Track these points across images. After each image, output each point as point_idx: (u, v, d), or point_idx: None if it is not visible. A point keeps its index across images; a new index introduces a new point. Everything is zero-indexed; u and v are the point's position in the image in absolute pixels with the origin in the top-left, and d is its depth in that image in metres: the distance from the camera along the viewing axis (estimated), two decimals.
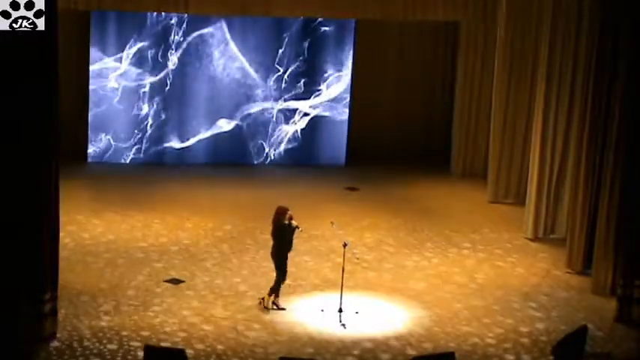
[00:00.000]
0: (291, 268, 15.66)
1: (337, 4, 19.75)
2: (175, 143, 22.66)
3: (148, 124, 22.50)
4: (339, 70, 23.06)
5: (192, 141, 22.68)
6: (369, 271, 16.87)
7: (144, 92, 22.38)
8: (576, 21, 18.08)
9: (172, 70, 22.40)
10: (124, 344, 13.79)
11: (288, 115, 23.03)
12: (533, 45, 20.01)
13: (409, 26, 23.45)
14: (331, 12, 20.30)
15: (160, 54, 22.27)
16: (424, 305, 15.63)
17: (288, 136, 23.08)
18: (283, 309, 15.17)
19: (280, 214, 15.29)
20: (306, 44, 22.80)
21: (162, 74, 22.38)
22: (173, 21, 22.15)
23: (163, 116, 22.54)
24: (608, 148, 16.05)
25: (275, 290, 15.25)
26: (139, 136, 22.50)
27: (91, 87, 22.04)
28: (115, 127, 22.34)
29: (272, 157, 23.11)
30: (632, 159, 15.61)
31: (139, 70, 22.25)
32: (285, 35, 22.68)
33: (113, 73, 22.13)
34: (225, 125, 22.85)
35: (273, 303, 15.20)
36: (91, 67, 21.96)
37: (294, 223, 15.25)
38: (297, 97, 23.01)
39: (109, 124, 22.32)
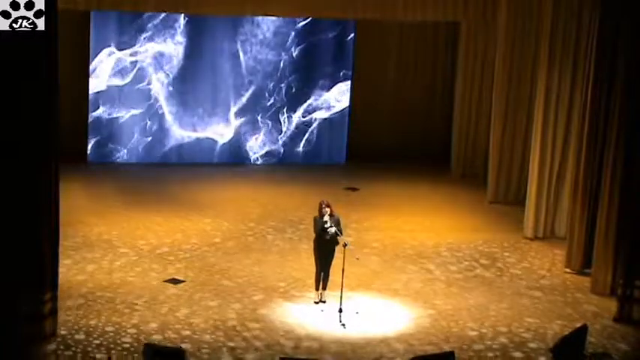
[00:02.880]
0: (289, 268, 15.72)
1: (337, 4, 19.72)
2: (177, 142, 22.70)
3: (148, 124, 22.49)
4: (339, 71, 23.06)
5: (194, 140, 22.73)
6: (368, 271, 16.87)
7: (144, 92, 22.38)
8: (576, 21, 18.10)
9: (173, 69, 22.39)
10: (124, 344, 13.79)
11: (289, 115, 23.05)
12: (533, 45, 20.02)
13: (409, 26, 23.45)
14: (331, 12, 20.26)
15: (160, 53, 22.26)
16: (424, 305, 15.63)
17: (290, 139, 23.17)
18: (323, 301, 15.35)
19: (319, 207, 15.40)
20: (306, 45, 22.81)
21: (162, 74, 22.37)
22: (174, 21, 22.15)
23: (164, 116, 22.54)
24: (608, 148, 16.05)
25: (315, 283, 15.46)
26: (139, 135, 22.49)
27: (90, 87, 22.04)
28: (115, 126, 22.34)
29: (273, 157, 23.12)
30: (632, 159, 15.61)
31: (139, 70, 22.24)
32: (286, 36, 22.69)
33: (113, 73, 22.12)
34: (226, 125, 22.86)
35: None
36: (91, 67, 21.96)
37: (325, 219, 15.24)
38: (298, 98, 23.03)
39: (109, 124, 22.31)
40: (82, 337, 13.93)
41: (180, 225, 18.66)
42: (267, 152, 23.15)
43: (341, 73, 23.08)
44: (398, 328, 14.77)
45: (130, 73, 22.22)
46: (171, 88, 22.48)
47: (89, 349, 13.62)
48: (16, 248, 13.30)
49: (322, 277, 15.44)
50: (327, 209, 15.27)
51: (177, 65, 22.41)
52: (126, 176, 21.59)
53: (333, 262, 15.40)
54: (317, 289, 15.51)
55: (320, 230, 15.24)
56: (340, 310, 14.90)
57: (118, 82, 22.19)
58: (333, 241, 15.32)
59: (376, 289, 16.17)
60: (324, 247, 15.34)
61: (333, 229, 15.17)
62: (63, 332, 13.98)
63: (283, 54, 22.78)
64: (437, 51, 24.09)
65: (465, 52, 22.56)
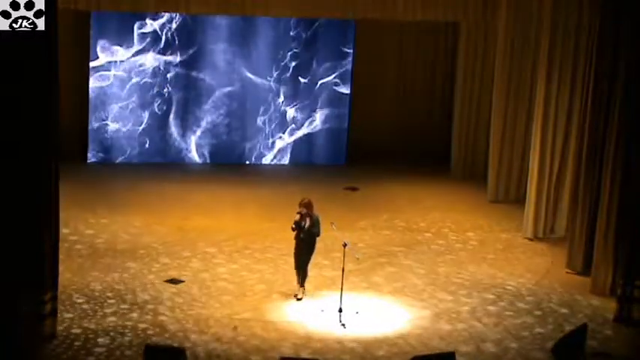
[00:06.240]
0: (288, 268, 15.76)
1: (337, 4, 19.74)
2: (176, 142, 22.70)
3: (149, 124, 22.49)
4: (339, 70, 23.06)
5: (193, 140, 22.74)
6: (368, 270, 16.88)
7: (144, 92, 22.37)
8: (576, 21, 18.12)
9: (173, 69, 22.39)
10: (124, 344, 13.79)
11: (289, 115, 23.05)
12: (533, 45, 20.03)
13: (409, 26, 23.46)
14: (331, 12, 20.27)
15: (160, 53, 22.26)
16: (424, 305, 15.63)
17: (290, 139, 23.15)
18: (299, 298, 15.51)
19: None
20: (306, 45, 22.81)
21: (162, 74, 22.37)
22: (174, 21, 22.16)
23: (164, 116, 22.54)
24: (608, 148, 16.05)
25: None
26: (139, 135, 22.48)
27: (90, 87, 22.04)
28: (115, 127, 22.33)
29: (272, 157, 23.12)
30: (632, 159, 15.62)
31: (140, 70, 22.24)
32: (286, 37, 22.69)
33: (113, 73, 22.12)
34: (227, 125, 22.86)
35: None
36: (91, 67, 21.95)
37: (297, 218, 15.42)
38: (298, 98, 23.04)
39: (109, 124, 22.31)
40: (82, 337, 13.93)
41: (180, 225, 18.66)
42: (267, 152, 23.13)
43: (341, 73, 23.08)
44: (398, 328, 14.77)
45: (131, 73, 22.22)
46: (171, 88, 22.49)
47: (89, 349, 13.61)
48: (16, 248, 13.30)
49: (300, 273, 15.56)
50: (304, 209, 15.36)
51: (177, 65, 22.40)
52: (126, 176, 21.56)
53: (312, 261, 15.63)
54: (297, 282, 15.64)
55: (293, 227, 15.48)
56: (340, 310, 14.90)
57: (118, 81, 22.19)
58: (308, 238, 15.42)
59: (376, 289, 16.17)
60: (299, 243, 15.52)
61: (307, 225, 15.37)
62: (63, 333, 13.99)
63: (284, 53, 22.77)
64: (437, 51, 24.09)
65: (465, 52, 22.57)
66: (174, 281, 16.10)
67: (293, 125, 23.12)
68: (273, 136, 23.09)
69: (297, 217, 15.40)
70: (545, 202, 18.82)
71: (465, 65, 22.58)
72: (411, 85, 24.15)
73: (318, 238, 15.55)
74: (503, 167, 20.82)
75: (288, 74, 22.87)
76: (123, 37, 22.05)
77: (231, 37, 22.56)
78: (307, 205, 15.43)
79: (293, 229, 15.44)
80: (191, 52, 22.41)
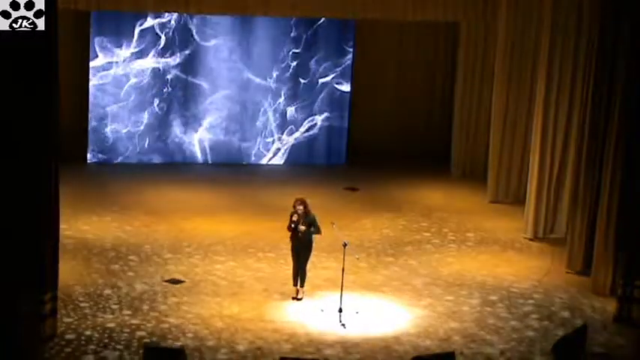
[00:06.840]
0: (288, 268, 15.77)
1: (337, 4, 19.76)
2: (176, 142, 22.69)
3: (148, 124, 22.48)
4: (340, 69, 23.06)
5: (193, 140, 22.73)
6: (368, 270, 16.88)
7: (143, 92, 22.36)
8: (576, 21, 18.12)
9: (173, 69, 22.38)
10: (124, 344, 13.79)
11: (288, 115, 23.05)
12: (533, 45, 20.03)
13: (409, 26, 23.46)
14: (331, 12, 20.30)
15: (160, 53, 22.26)
16: (424, 305, 15.63)
17: (290, 139, 23.14)
18: (299, 299, 15.52)
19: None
20: (306, 45, 22.81)
21: (162, 74, 22.36)
22: (174, 21, 22.15)
23: (164, 116, 22.53)
24: (608, 148, 16.06)
25: (292, 278, 15.70)
26: (139, 136, 22.48)
27: (90, 87, 22.04)
28: (114, 127, 22.33)
29: (272, 157, 23.12)
30: (632, 159, 15.62)
31: (140, 70, 22.23)
32: (285, 37, 22.70)
33: (113, 73, 22.12)
34: (226, 125, 22.86)
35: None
36: (91, 67, 21.95)
37: (294, 218, 15.41)
38: (297, 98, 23.04)
39: (108, 125, 22.30)
40: (82, 337, 13.93)
41: (180, 225, 18.66)
42: (267, 152, 23.13)
43: (341, 72, 23.07)
44: (398, 328, 14.77)
45: (130, 73, 22.21)
46: (171, 88, 22.48)
47: (89, 349, 13.61)
48: (16, 248, 13.30)
49: (299, 274, 15.54)
50: (301, 207, 15.35)
51: (177, 65, 22.40)
52: (125, 177, 21.56)
53: (311, 260, 15.65)
54: (294, 284, 15.60)
55: (289, 226, 15.45)
56: (340, 310, 14.90)
57: (117, 81, 22.18)
58: (305, 238, 15.42)
59: (376, 289, 16.17)
60: (295, 243, 15.51)
61: (302, 227, 15.36)
62: (63, 333, 13.99)
63: (284, 54, 22.77)
64: (437, 51, 24.10)
65: (465, 52, 22.57)
66: (174, 281, 16.10)
67: (292, 125, 23.12)
68: (273, 136, 23.09)
69: (295, 217, 15.39)
70: (545, 202, 18.82)
71: (465, 65, 22.59)
72: (411, 85, 24.16)
73: (314, 237, 15.54)
74: (503, 167, 20.83)
75: (288, 74, 22.88)
76: (123, 37, 22.05)
77: (231, 37, 22.56)
78: (303, 203, 15.40)
79: (290, 229, 15.44)
80: (191, 52, 22.42)
